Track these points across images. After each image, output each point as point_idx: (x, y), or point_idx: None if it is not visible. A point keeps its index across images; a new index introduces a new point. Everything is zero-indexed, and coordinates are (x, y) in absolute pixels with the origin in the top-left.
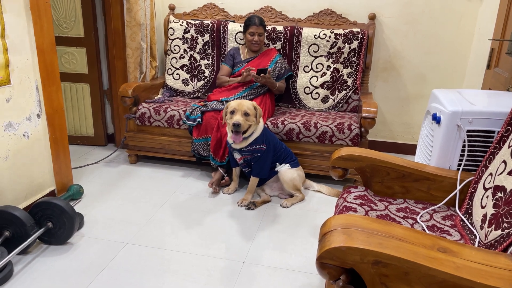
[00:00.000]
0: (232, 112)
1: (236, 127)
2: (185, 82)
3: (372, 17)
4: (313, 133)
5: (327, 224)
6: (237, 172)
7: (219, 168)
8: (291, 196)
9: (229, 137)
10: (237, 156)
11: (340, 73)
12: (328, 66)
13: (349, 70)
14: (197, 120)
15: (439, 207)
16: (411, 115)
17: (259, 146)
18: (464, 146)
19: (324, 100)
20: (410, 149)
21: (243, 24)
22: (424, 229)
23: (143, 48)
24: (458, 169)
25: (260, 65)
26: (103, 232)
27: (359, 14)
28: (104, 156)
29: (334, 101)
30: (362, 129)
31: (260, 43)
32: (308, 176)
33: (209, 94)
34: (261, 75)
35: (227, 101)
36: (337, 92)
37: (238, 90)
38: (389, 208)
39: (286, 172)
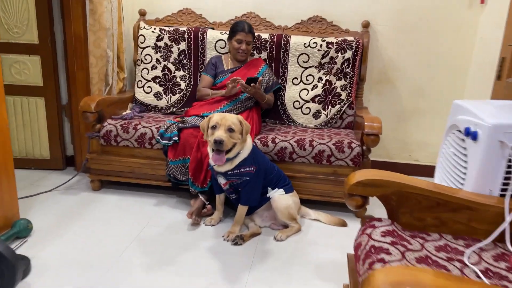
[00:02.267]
0: (214, 127)
1: (218, 145)
2: (157, 96)
3: (366, 25)
4: (309, 153)
5: (372, 282)
6: (222, 200)
7: (199, 195)
8: (286, 226)
9: (211, 158)
10: (221, 180)
11: (333, 86)
12: (320, 78)
13: (342, 82)
14: (173, 138)
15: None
16: (407, 131)
17: (247, 169)
18: (509, 166)
19: (316, 115)
20: (408, 170)
21: (228, 31)
22: (479, 276)
23: (109, 57)
24: (502, 195)
25: (247, 75)
26: (56, 280)
27: (351, 22)
28: (61, 182)
29: (327, 116)
30: (364, 147)
31: (247, 52)
32: (303, 202)
33: (187, 108)
34: (251, 84)
35: None
36: (330, 107)
37: (222, 104)
38: (426, 246)
39: (280, 198)
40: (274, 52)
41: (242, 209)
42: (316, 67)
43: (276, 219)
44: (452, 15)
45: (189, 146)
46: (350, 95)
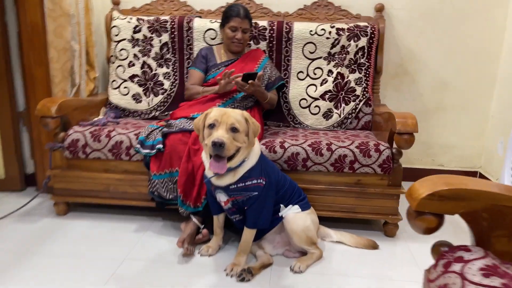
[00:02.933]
0: (212, 126)
1: (218, 149)
2: (136, 98)
3: (380, 9)
4: (327, 159)
5: None
6: (221, 222)
7: (192, 216)
8: (303, 253)
9: (207, 168)
10: (221, 198)
11: (345, 80)
12: (330, 71)
13: (357, 75)
14: (157, 146)
15: None
16: (430, 132)
17: (255, 181)
18: None
19: (327, 115)
20: None
21: (219, 19)
22: None
23: (75, 51)
24: None
25: (245, 69)
26: None
27: (362, 6)
28: (18, 206)
29: (340, 116)
30: (394, 150)
31: (244, 42)
32: (321, 220)
33: (173, 110)
34: (249, 81)
35: None
36: (343, 104)
37: (216, 103)
38: None
39: (296, 218)
40: (274, 42)
41: (249, 234)
42: (325, 58)
43: (291, 244)
44: None
45: (177, 156)
46: (366, 90)
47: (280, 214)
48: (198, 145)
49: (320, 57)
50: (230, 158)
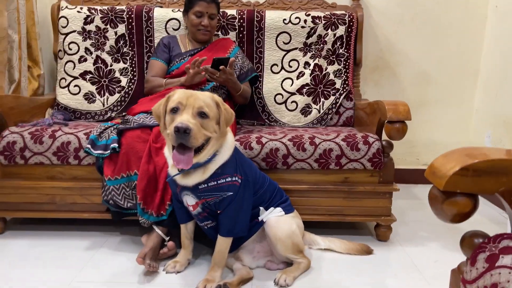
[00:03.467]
0: (176, 111)
1: (182, 137)
2: (89, 97)
3: None
4: (310, 154)
5: None
6: (190, 232)
7: (155, 227)
8: (288, 264)
9: (171, 164)
10: (189, 201)
11: (324, 72)
12: (307, 63)
13: (336, 66)
14: (111, 146)
15: None
16: (413, 129)
17: (229, 179)
18: None
19: (305, 111)
20: (415, 177)
21: (183, 2)
22: None
23: (13, 41)
24: None
25: (208, 62)
26: None
27: None
28: None
29: (319, 111)
30: (384, 142)
31: (211, 29)
32: (304, 225)
33: (132, 106)
34: (221, 68)
35: None
36: (322, 99)
37: None
38: None
39: (279, 222)
40: (245, 33)
41: (224, 243)
42: (300, 49)
43: (274, 254)
44: None
45: (136, 156)
46: (346, 82)
47: (259, 218)
48: (160, 143)
49: (296, 48)
50: (197, 151)
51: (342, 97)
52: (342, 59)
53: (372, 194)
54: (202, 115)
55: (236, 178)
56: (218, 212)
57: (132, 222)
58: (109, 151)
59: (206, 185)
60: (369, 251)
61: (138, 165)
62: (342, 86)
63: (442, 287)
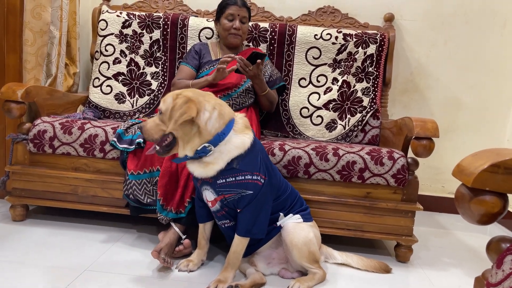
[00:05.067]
0: None
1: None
2: (119, 97)
3: (390, 19)
4: (333, 165)
5: None
6: (207, 233)
7: (172, 224)
8: (303, 273)
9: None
10: (208, 196)
11: (352, 89)
12: (335, 79)
13: (364, 84)
14: (137, 141)
15: None
16: (440, 155)
17: (250, 177)
18: None
19: (330, 126)
20: (439, 205)
21: (215, 11)
22: None
23: (54, 37)
24: None
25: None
26: None
27: (371, 14)
28: None
29: (344, 128)
30: (409, 159)
31: (243, 34)
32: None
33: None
34: (258, 61)
35: None
36: (348, 116)
37: None
38: None
39: (297, 229)
40: (275, 45)
41: (240, 244)
42: (330, 65)
43: (289, 261)
44: (497, 4)
45: None
46: (374, 101)
47: (278, 223)
48: None
49: (325, 64)
50: (167, 147)
51: (369, 115)
52: (371, 77)
53: (394, 212)
54: (159, 111)
55: (259, 178)
56: (238, 210)
57: (150, 220)
58: (134, 146)
59: (224, 180)
60: (387, 270)
61: (161, 161)
62: (369, 104)
63: None
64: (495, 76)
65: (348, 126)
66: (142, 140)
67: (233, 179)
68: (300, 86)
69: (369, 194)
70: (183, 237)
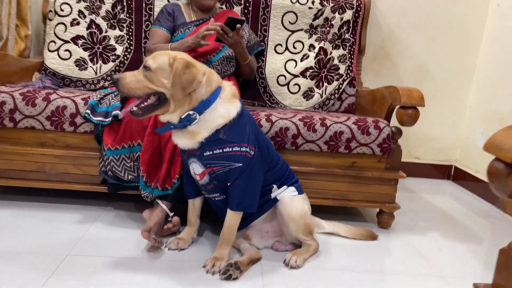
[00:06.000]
0: None
1: (116, 87)
2: (80, 64)
3: None
4: (321, 135)
5: None
6: (197, 208)
7: (159, 201)
8: (296, 245)
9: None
10: (196, 169)
11: (328, 56)
12: (312, 46)
13: (341, 51)
14: (114, 113)
15: None
16: None
17: (238, 149)
18: None
19: (307, 95)
20: (407, 169)
21: None
22: None
23: None
24: None
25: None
26: None
27: None
28: None
29: (321, 96)
30: (393, 128)
31: None
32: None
33: None
34: (237, 26)
35: None
36: (325, 84)
37: None
38: None
39: (293, 201)
40: (250, 8)
41: (233, 218)
42: (306, 31)
43: (283, 234)
44: None
45: (140, 125)
46: (350, 68)
47: (272, 195)
48: None
49: (301, 29)
50: (155, 109)
51: (345, 83)
52: (348, 44)
53: (378, 180)
54: (146, 67)
55: (247, 149)
56: (228, 184)
57: (127, 196)
58: (110, 119)
59: (211, 152)
60: (374, 237)
61: (142, 135)
62: (346, 72)
63: (452, 274)
64: (459, 45)
65: (325, 94)
66: (119, 112)
67: (220, 150)
68: (277, 52)
69: (354, 163)
70: (171, 214)
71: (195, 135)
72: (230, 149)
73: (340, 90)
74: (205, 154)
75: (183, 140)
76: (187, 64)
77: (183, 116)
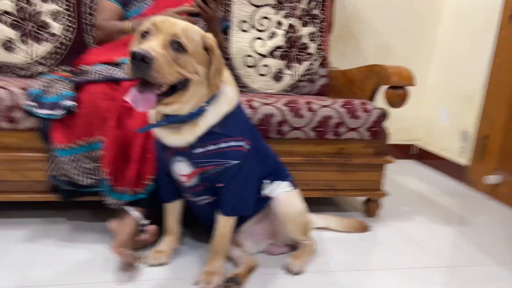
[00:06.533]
0: (145, 36)
1: (141, 67)
2: (7, 45)
3: None
4: (309, 121)
5: None
6: (177, 214)
7: (129, 208)
8: (292, 246)
9: (130, 99)
10: (183, 169)
11: (297, 34)
12: (279, 22)
13: (311, 29)
14: (65, 104)
15: None
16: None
17: (234, 144)
18: None
19: (278, 76)
20: None
21: None
22: None
23: None
24: None
25: (178, 5)
26: None
27: None
28: None
29: (293, 77)
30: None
31: None
32: None
33: (82, 55)
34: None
35: None
36: (296, 64)
37: None
38: None
39: (289, 199)
40: None
41: (226, 225)
42: (273, 6)
43: (277, 235)
44: None
45: (100, 118)
46: (321, 47)
47: (263, 193)
48: None
49: (268, 5)
50: (166, 94)
51: (317, 63)
52: (317, 21)
53: (366, 167)
54: (177, 46)
55: (243, 143)
56: (221, 186)
57: (81, 203)
58: (61, 111)
59: (204, 149)
60: (365, 228)
61: (103, 129)
62: (316, 51)
63: (455, 263)
64: (420, 24)
65: (297, 75)
66: (73, 104)
67: (215, 146)
68: (242, 30)
69: (342, 150)
70: (147, 222)
71: (191, 129)
72: (226, 144)
73: (312, 71)
74: (195, 151)
75: (173, 137)
76: (217, 44)
77: (195, 111)
